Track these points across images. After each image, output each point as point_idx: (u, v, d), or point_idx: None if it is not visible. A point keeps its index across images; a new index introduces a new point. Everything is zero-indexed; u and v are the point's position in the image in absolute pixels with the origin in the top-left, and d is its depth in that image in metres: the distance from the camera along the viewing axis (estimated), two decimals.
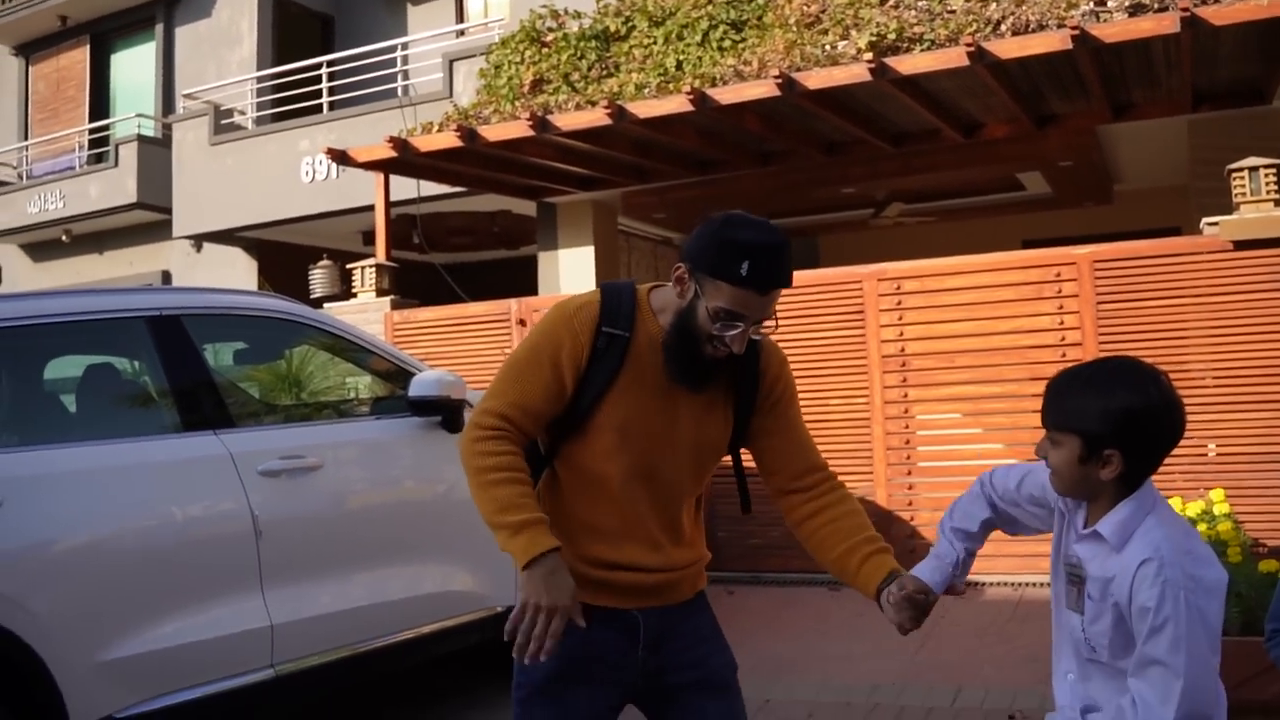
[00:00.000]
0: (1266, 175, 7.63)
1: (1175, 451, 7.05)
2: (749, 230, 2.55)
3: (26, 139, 20.37)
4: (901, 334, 8.49)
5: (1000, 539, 7.61)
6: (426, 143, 10.76)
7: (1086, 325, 7.96)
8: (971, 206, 14.53)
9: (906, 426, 8.48)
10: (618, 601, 2.67)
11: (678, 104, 9.44)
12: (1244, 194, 7.65)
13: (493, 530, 2.51)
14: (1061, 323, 8.07)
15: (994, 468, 2.86)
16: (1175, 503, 6.60)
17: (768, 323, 2.59)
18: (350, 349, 5.92)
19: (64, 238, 19.04)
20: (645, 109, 9.67)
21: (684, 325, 2.57)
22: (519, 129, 10.09)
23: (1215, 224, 7.72)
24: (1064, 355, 8.00)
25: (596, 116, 9.71)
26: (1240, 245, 7.60)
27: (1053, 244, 9.44)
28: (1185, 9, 7.81)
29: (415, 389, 5.45)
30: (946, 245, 10.64)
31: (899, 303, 8.49)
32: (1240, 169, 7.71)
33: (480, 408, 2.61)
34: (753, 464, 2.88)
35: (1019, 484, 2.76)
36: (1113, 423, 2.43)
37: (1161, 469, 7.04)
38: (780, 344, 8.01)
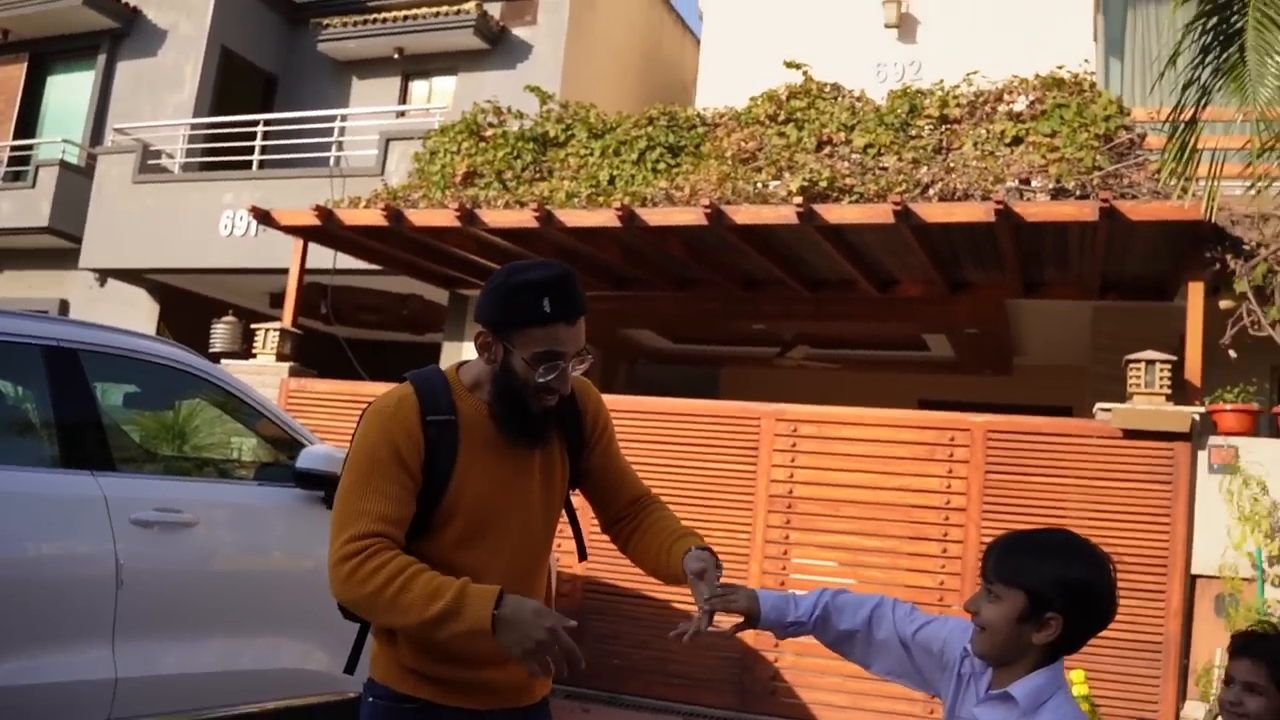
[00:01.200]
0: (1162, 370, 7.91)
1: None
2: (534, 270, 2.56)
3: None
4: (791, 475, 8.57)
5: (861, 691, 7.61)
6: (352, 216, 10.73)
7: (973, 491, 8.10)
8: (876, 360, 14.78)
9: (783, 568, 8.52)
10: (473, 703, 2.63)
11: (606, 218, 9.54)
12: (1139, 385, 7.91)
13: (434, 628, 2.39)
14: (949, 486, 8.20)
15: (895, 600, 2.85)
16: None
17: (584, 356, 2.60)
18: (242, 409, 5.85)
19: None
20: (574, 218, 9.75)
21: (506, 386, 2.56)
22: (446, 218, 10.11)
23: (1108, 410, 7.94)
24: (947, 518, 8.14)
25: (524, 218, 9.77)
26: (1129, 434, 7.84)
27: (948, 407, 9.63)
28: (1105, 200, 8.10)
29: (304, 461, 5.40)
30: (845, 394, 10.81)
31: (793, 445, 8.59)
32: (1138, 360, 7.98)
33: (340, 541, 2.46)
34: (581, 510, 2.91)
35: (917, 629, 2.75)
36: (1066, 589, 2.47)
37: None
38: (672, 468, 8.04)
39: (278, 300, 13.45)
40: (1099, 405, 8.07)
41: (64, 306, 17.79)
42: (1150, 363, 7.96)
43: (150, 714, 4.79)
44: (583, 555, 2.98)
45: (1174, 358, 8.00)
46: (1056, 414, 9.57)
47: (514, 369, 2.54)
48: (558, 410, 2.67)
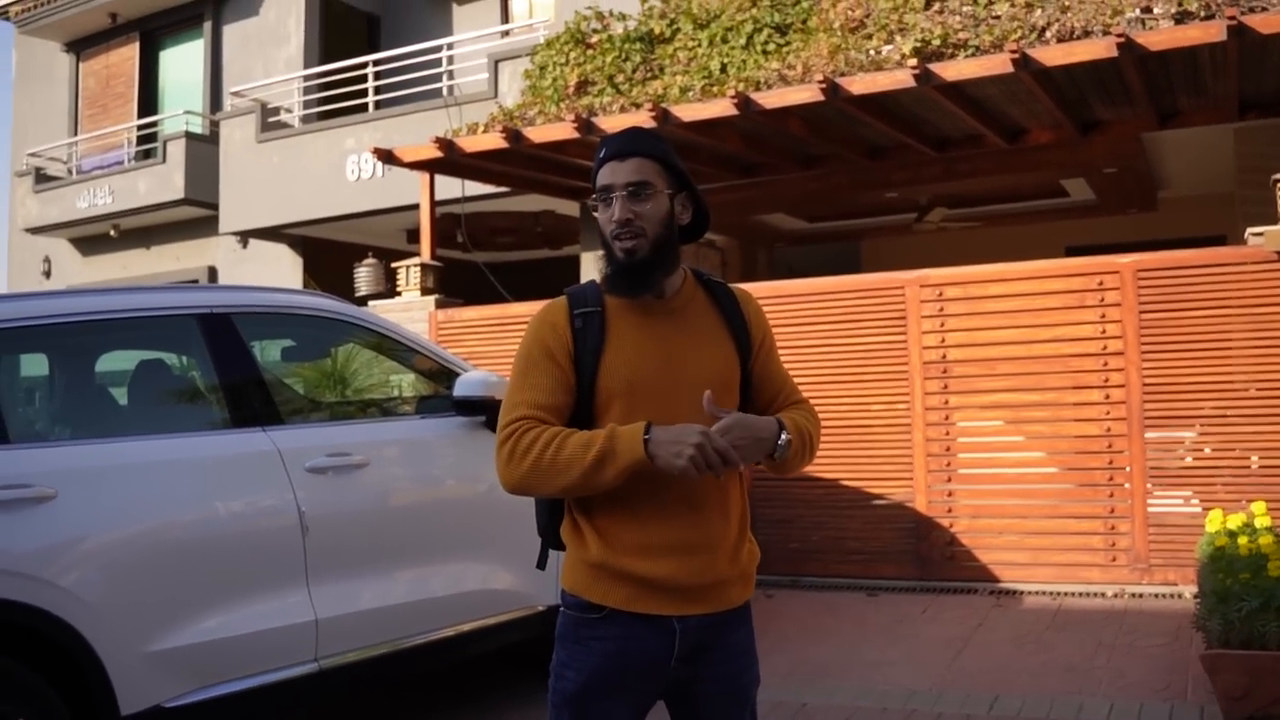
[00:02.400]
0: None
1: (1218, 463, 7.07)
2: (607, 136, 2.75)
3: (76, 134, 20.61)
4: (943, 340, 8.49)
5: (1040, 546, 7.64)
6: (472, 143, 10.83)
7: (1129, 334, 7.93)
8: (1015, 212, 14.49)
9: (947, 434, 8.48)
10: (657, 606, 2.62)
11: (722, 108, 9.47)
12: None
13: (596, 474, 2.48)
14: (1104, 331, 8.04)
15: None
16: (1216, 515, 6.61)
17: (641, 192, 2.62)
18: (395, 348, 5.99)
19: (112, 232, 19.29)
20: (689, 112, 9.70)
21: (601, 243, 2.67)
22: (564, 131, 10.15)
23: (1260, 234, 7.68)
24: (1106, 363, 8.00)
25: (640, 119, 9.74)
26: None
27: (1097, 251, 9.40)
28: (1232, 17, 7.78)
29: (460, 389, 5.52)
30: (990, 251, 10.62)
31: (941, 309, 8.49)
32: None
33: (499, 425, 2.61)
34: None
35: None
36: None
37: (1203, 480, 7.10)
38: (821, 348, 8.04)
39: (414, 236, 13.66)
40: (1250, 230, 7.81)
41: (212, 273, 18.37)
42: None
43: (352, 649, 4.98)
44: None
45: None
46: (1209, 244, 9.30)
47: (599, 222, 2.67)
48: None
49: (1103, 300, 8.06)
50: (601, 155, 2.66)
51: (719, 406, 2.54)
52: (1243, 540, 5.94)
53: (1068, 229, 14.46)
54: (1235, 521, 6.38)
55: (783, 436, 2.58)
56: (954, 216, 14.44)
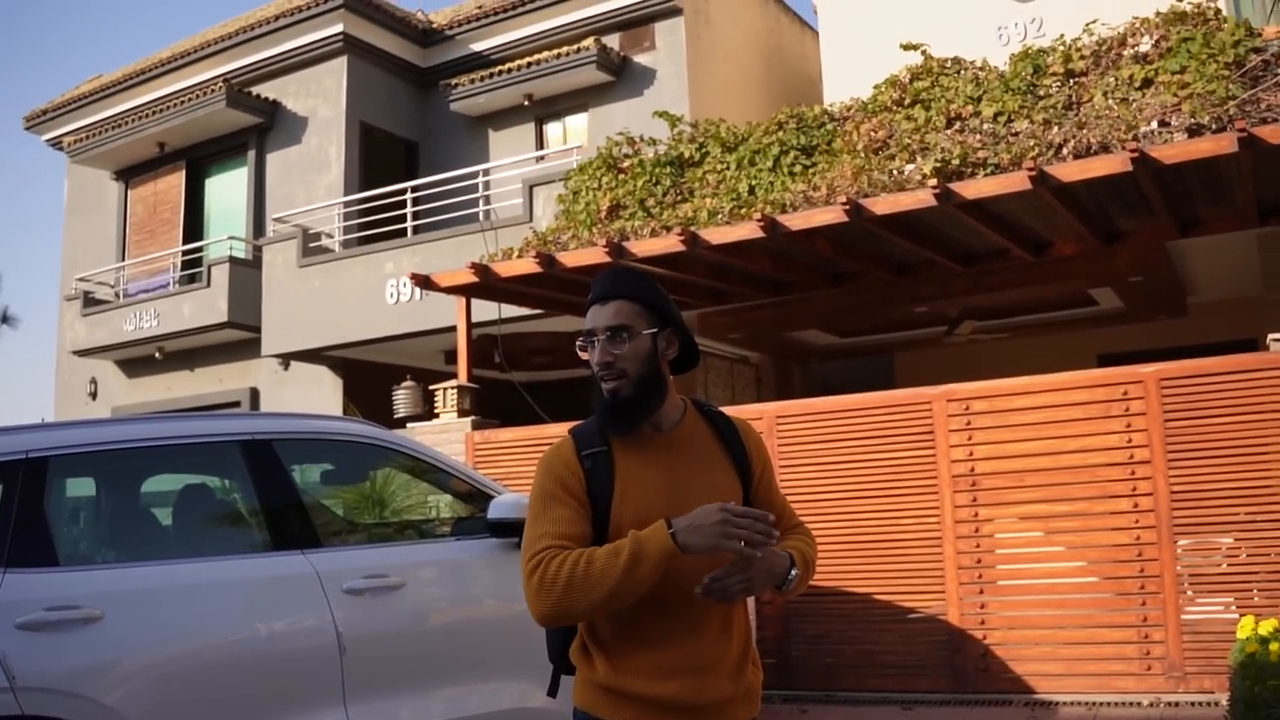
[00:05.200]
0: None
1: (1252, 568, 7.08)
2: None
3: (124, 259, 21.12)
4: (971, 454, 8.57)
5: (1075, 656, 7.64)
6: (507, 268, 11.11)
7: (1155, 442, 8.00)
8: (1045, 322, 14.60)
9: (977, 545, 8.53)
10: None
11: (749, 230, 9.70)
12: None
13: (631, 578, 2.55)
14: (1130, 440, 8.10)
15: None
16: (1248, 621, 6.64)
17: (619, 335, 2.75)
18: (430, 471, 6.15)
19: (157, 354, 19.66)
20: (718, 235, 9.93)
21: (593, 382, 2.81)
22: (596, 255, 10.40)
23: (1279, 339, 7.78)
24: (1133, 472, 8.05)
25: (670, 243, 9.99)
26: None
27: (1128, 358, 9.48)
28: (1242, 129, 7.96)
29: (494, 511, 5.66)
30: (1022, 361, 10.74)
31: (968, 423, 8.60)
32: None
33: (523, 560, 2.68)
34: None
35: None
36: None
37: (1238, 586, 7.13)
38: (852, 463, 8.16)
39: (452, 357, 13.90)
40: (1271, 336, 7.91)
41: (254, 394, 18.66)
42: None
43: None
44: None
45: None
46: (1240, 348, 9.34)
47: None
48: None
49: (1128, 410, 8.13)
50: (589, 300, 2.81)
51: None
52: (1274, 646, 5.98)
53: (1099, 337, 14.55)
54: (1267, 627, 6.41)
55: (792, 572, 2.71)
56: (984, 329, 14.57)
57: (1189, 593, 7.88)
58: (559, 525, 2.71)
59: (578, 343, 2.82)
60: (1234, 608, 7.71)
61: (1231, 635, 7.11)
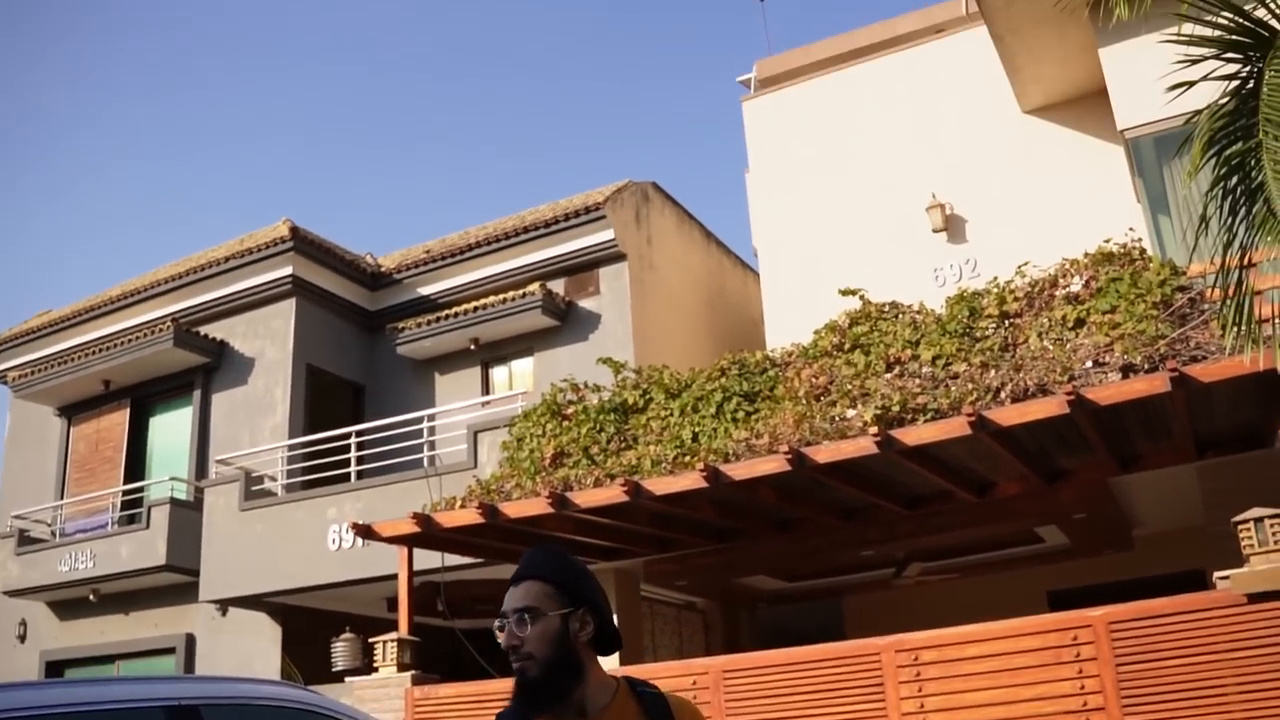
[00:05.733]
0: (1273, 526, 7.70)
1: None
2: None
3: (63, 497, 20.81)
4: (922, 705, 8.43)
5: None
6: (449, 519, 11.03)
7: (1108, 687, 7.90)
8: (992, 561, 14.56)
9: None
10: None
11: (692, 481, 9.71)
12: (1252, 545, 7.71)
13: None
14: (1083, 686, 8.01)
15: None
16: None
17: (523, 617, 2.73)
18: None
19: (91, 597, 19.19)
20: (661, 486, 9.94)
21: None
22: (538, 506, 10.35)
23: (1227, 578, 7.76)
24: (1088, 719, 7.93)
25: (614, 494, 9.97)
26: (1254, 598, 7.62)
27: (1078, 593, 9.42)
28: (1174, 369, 8.12)
29: None
30: (971, 602, 10.68)
31: (918, 673, 8.48)
32: (1245, 520, 7.80)
33: None
34: None
35: None
36: None
37: None
38: (802, 718, 7.95)
39: (394, 604, 13.65)
40: (1217, 575, 7.90)
41: (190, 641, 18.21)
42: (1259, 520, 7.78)
43: None
44: None
45: None
46: (1187, 580, 9.31)
47: None
48: (548, 683, 2.76)
49: (1079, 655, 8.06)
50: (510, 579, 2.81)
51: None
52: None
53: (1047, 574, 14.51)
54: None
55: None
56: (932, 569, 14.52)
57: None
58: None
59: (495, 624, 2.80)
60: None
61: None
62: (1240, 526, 7.88)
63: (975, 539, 13.19)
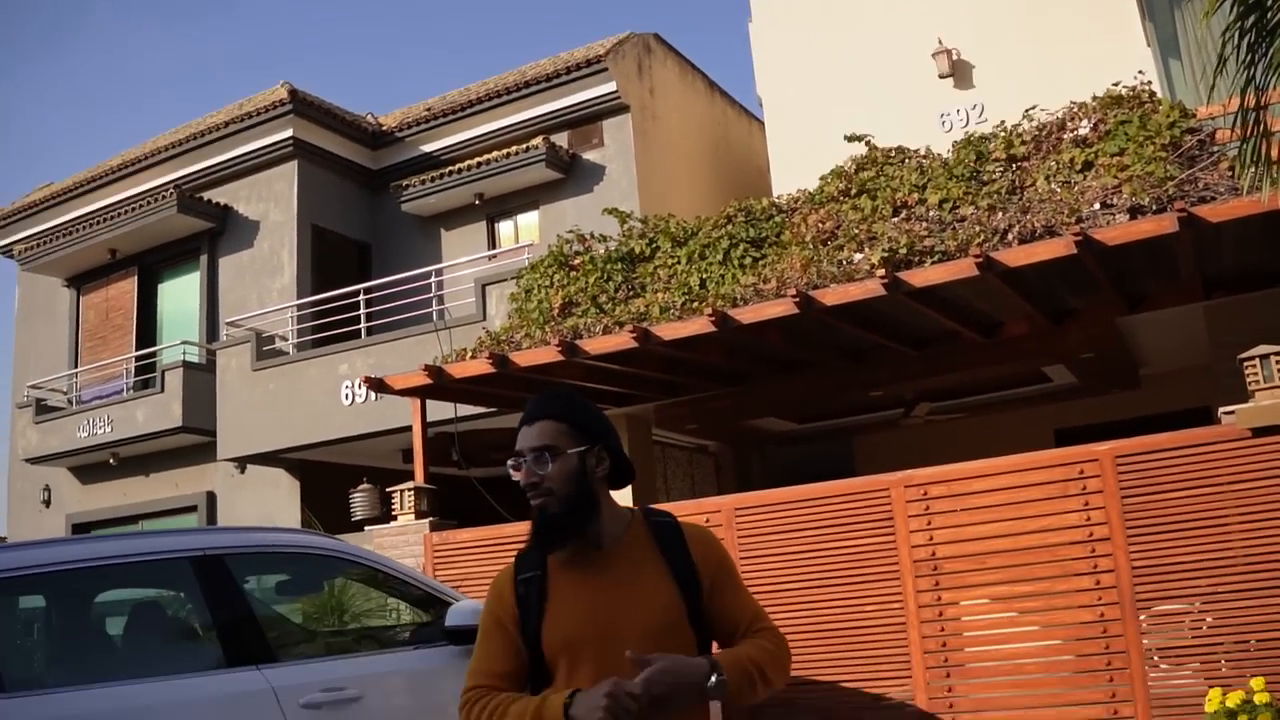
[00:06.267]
0: (1278, 362, 7.76)
1: (1217, 639, 7.00)
2: None
3: (76, 366, 20.98)
4: (931, 538, 8.57)
5: None
6: (460, 369, 11.12)
7: (1113, 519, 8.02)
8: (1000, 400, 14.70)
9: (942, 629, 8.50)
10: None
11: (700, 325, 9.76)
12: (1257, 381, 7.75)
13: None
14: (1088, 518, 8.12)
15: None
16: (1215, 694, 6.65)
17: (542, 456, 2.80)
18: (386, 580, 6.12)
19: (111, 461, 19.48)
20: (670, 331, 9.98)
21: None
22: (548, 354, 10.43)
23: (1232, 413, 7.84)
24: (1093, 550, 8.06)
25: (623, 340, 10.03)
26: (1258, 432, 7.69)
27: (1085, 431, 9.52)
28: (1182, 209, 8.11)
29: (452, 619, 5.63)
30: (979, 440, 10.79)
31: (926, 507, 8.61)
32: (1251, 357, 7.83)
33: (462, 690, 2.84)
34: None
35: None
36: None
37: (1205, 656, 7.07)
38: (813, 553, 8.11)
39: (410, 455, 13.83)
40: (1222, 410, 7.98)
41: (211, 498, 18.49)
42: (1264, 357, 7.82)
43: None
44: None
45: None
46: (1193, 417, 9.40)
47: None
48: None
49: (1085, 488, 8.16)
50: (519, 421, 2.87)
51: (645, 654, 2.65)
52: (1242, 718, 5.98)
53: (1055, 412, 14.67)
54: (1234, 699, 6.42)
55: (713, 678, 2.67)
56: (940, 409, 14.65)
57: (1157, 661, 7.88)
58: (487, 661, 2.83)
59: (509, 463, 2.86)
60: (1202, 678, 7.71)
61: (1201, 708, 7.11)
62: (1246, 363, 7.91)
63: (983, 379, 13.31)
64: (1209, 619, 7.76)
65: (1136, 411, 13.05)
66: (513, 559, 2.91)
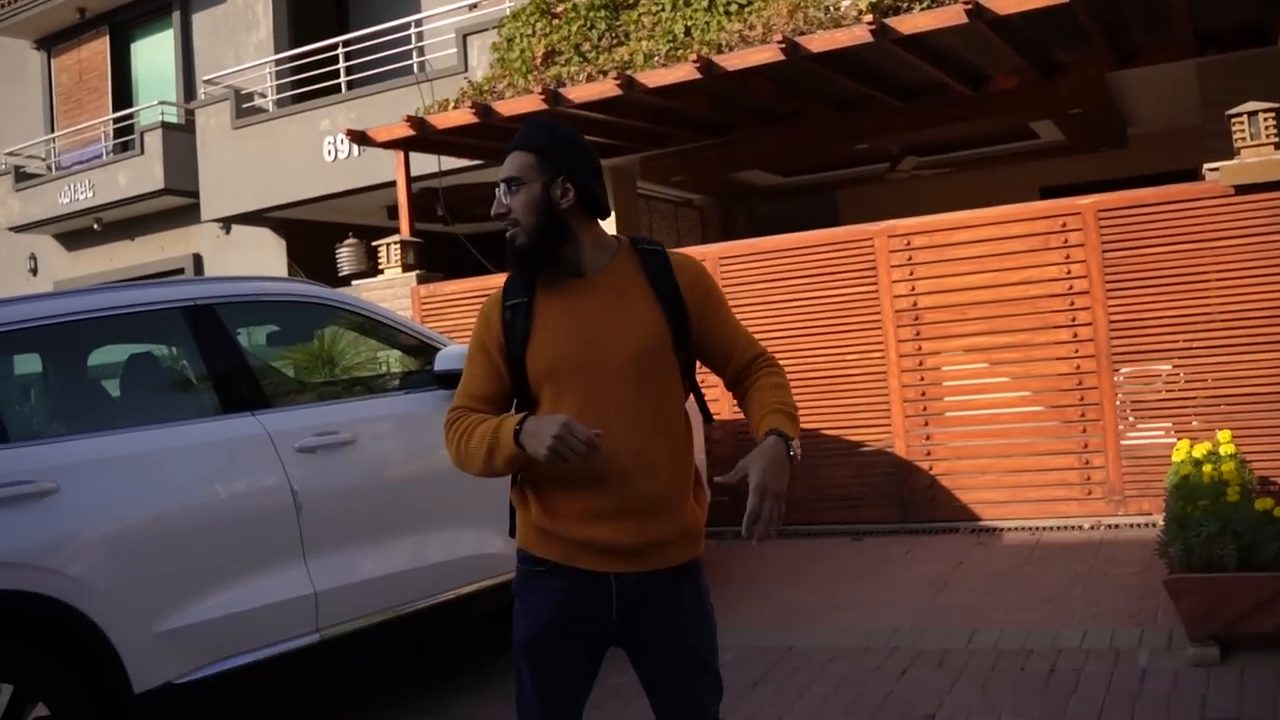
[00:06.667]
0: (1266, 119, 7.67)
1: (1190, 394, 7.18)
2: None
3: (53, 131, 20.69)
4: (913, 289, 8.66)
5: (1018, 484, 7.84)
6: (443, 120, 10.99)
7: (1093, 272, 8.10)
8: (987, 156, 14.65)
9: (922, 379, 8.66)
10: (595, 564, 2.80)
11: (685, 72, 9.62)
12: (1244, 139, 7.71)
13: (488, 465, 2.76)
14: (1069, 271, 8.20)
15: None
16: (1183, 445, 6.84)
17: (513, 186, 2.83)
18: (376, 328, 6.17)
19: (95, 226, 19.40)
20: (654, 78, 9.84)
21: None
22: (532, 103, 10.29)
23: (1216, 169, 7.82)
24: (1072, 303, 8.18)
25: (607, 88, 9.90)
26: (1241, 189, 7.70)
27: (1070, 189, 9.52)
28: None
29: (440, 363, 5.71)
30: (964, 196, 10.77)
31: (909, 258, 8.67)
32: (1239, 114, 7.77)
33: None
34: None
35: None
36: None
37: (1176, 412, 7.27)
38: (796, 302, 8.21)
39: (394, 212, 13.78)
40: (1206, 166, 7.96)
41: (197, 260, 18.52)
42: (1253, 114, 7.71)
43: (352, 618, 5.19)
44: (707, 418, 3.15)
45: (1277, 105, 7.73)
46: (1181, 178, 9.39)
47: None
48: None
49: (1066, 241, 8.21)
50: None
51: (634, 381, 2.78)
52: (1207, 469, 6.17)
53: (1041, 170, 14.63)
54: (1201, 451, 6.60)
55: (793, 448, 2.70)
56: (926, 164, 14.61)
57: (1130, 419, 8.07)
58: (470, 384, 2.91)
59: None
60: (1172, 433, 7.91)
61: (1169, 460, 7.31)
62: (1234, 120, 7.82)
63: (970, 133, 13.22)
64: (1183, 375, 7.91)
65: (1123, 171, 12.98)
66: (499, 288, 2.94)
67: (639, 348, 2.80)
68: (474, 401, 2.87)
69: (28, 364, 5.56)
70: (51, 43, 20.84)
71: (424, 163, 12.53)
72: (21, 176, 20.12)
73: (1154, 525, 7.65)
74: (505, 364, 2.86)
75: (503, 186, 2.83)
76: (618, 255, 2.89)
